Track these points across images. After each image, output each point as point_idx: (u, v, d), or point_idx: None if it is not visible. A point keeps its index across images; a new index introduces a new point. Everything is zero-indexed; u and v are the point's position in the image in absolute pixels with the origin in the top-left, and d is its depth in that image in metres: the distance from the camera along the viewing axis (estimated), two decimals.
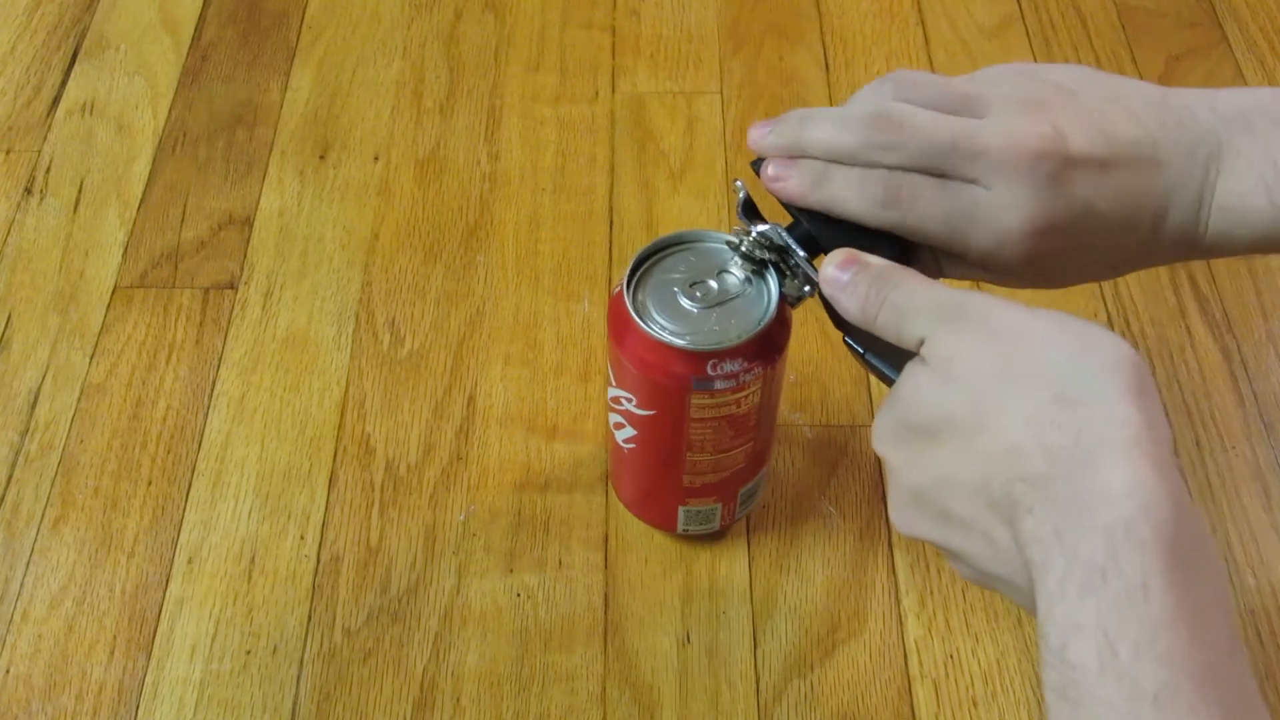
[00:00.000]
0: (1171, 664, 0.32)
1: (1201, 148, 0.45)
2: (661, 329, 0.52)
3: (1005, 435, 0.37)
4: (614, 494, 0.65)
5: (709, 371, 0.53)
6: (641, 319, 0.53)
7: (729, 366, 0.53)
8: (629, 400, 0.56)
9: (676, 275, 0.54)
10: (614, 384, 0.57)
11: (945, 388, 0.39)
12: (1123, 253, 0.47)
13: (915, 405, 0.40)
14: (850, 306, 0.43)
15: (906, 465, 0.41)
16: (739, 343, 0.52)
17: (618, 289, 0.54)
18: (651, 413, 0.56)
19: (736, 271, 0.54)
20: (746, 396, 0.55)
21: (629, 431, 0.58)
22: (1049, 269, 0.47)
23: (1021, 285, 0.49)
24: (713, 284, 0.54)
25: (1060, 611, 0.34)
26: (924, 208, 0.46)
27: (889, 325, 0.42)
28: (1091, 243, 0.46)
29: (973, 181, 0.45)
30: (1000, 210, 0.45)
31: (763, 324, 0.52)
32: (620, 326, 0.54)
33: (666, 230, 0.78)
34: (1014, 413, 0.37)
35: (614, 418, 0.58)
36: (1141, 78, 0.87)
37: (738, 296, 0.53)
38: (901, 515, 0.42)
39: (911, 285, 0.42)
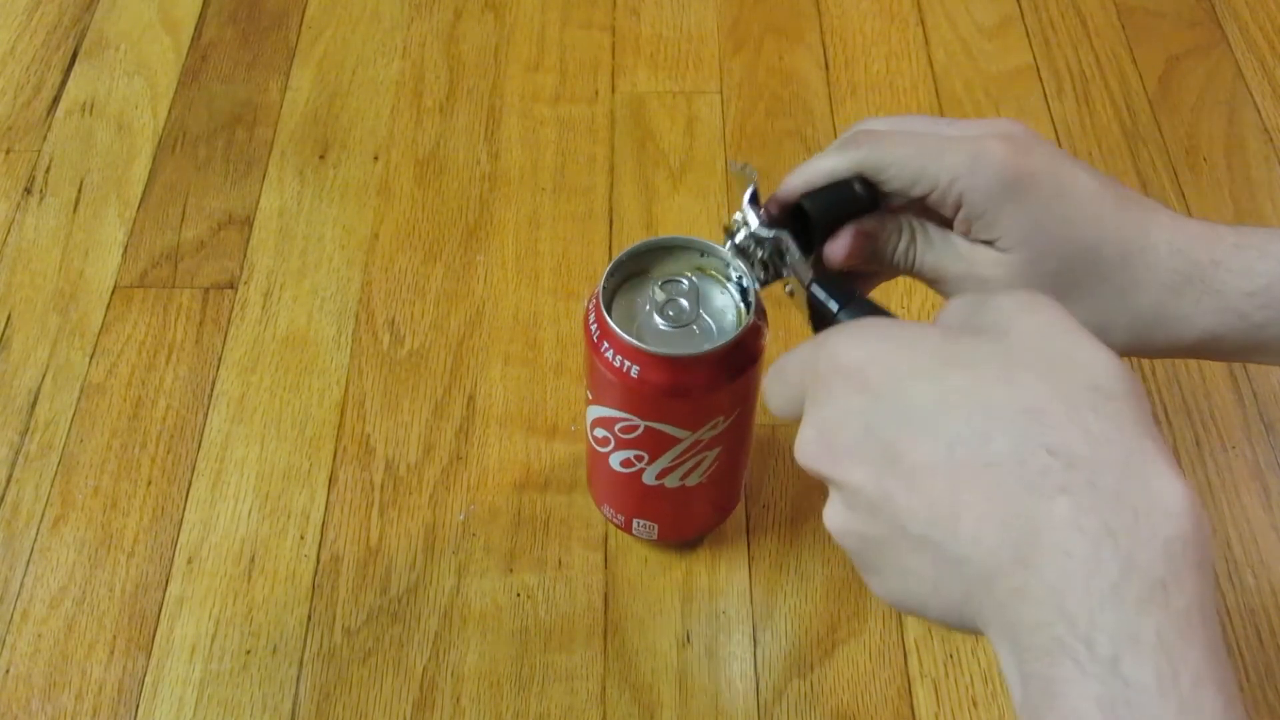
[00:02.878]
0: (1227, 693, 0.31)
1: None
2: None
3: (1029, 395, 0.33)
4: None
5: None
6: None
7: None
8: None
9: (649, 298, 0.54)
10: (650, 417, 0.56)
11: (980, 337, 0.36)
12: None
13: (931, 342, 0.36)
14: None
15: (865, 381, 0.36)
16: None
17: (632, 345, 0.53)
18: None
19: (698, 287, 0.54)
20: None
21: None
22: (1028, 214, 0.47)
23: (1007, 248, 0.47)
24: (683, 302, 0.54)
25: (1113, 620, 0.31)
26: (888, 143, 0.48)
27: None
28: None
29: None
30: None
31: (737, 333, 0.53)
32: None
33: (666, 230, 0.78)
34: (1046, 382, 0.33)
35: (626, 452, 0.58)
36: (1142, 78, 0.87)
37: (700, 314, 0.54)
38: (824, 440, 0.36)
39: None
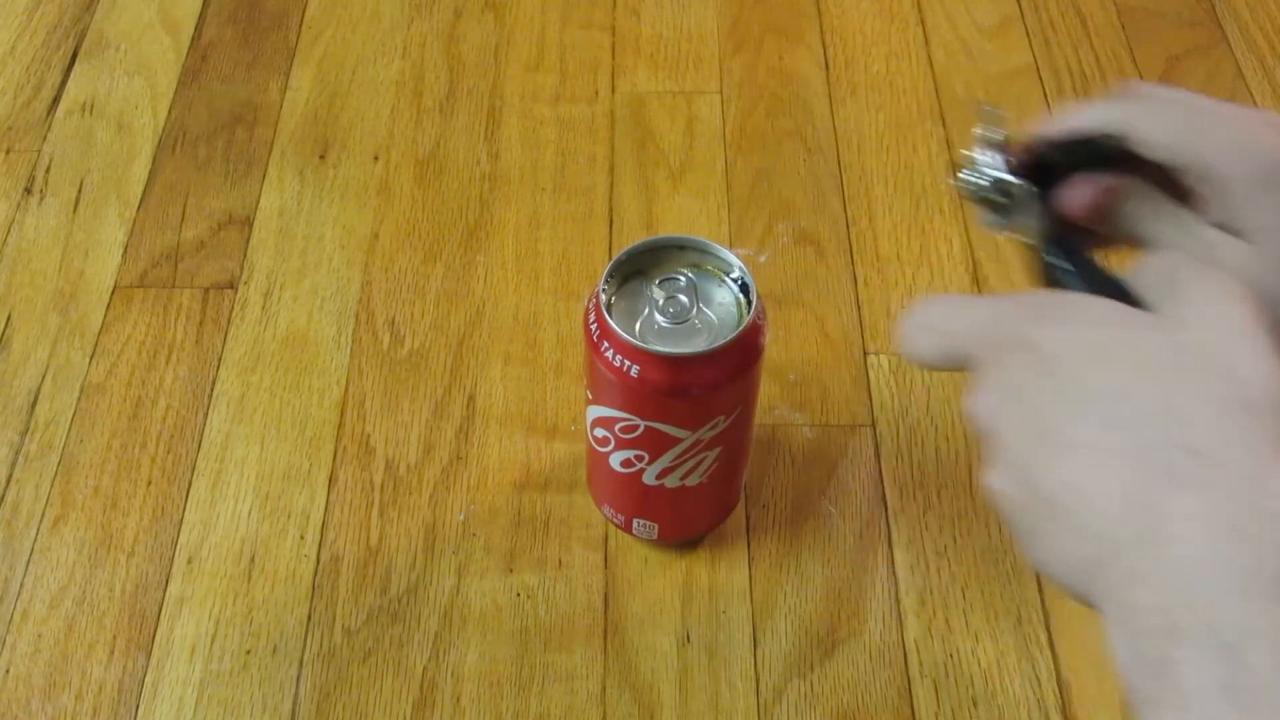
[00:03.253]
0: None
1: None
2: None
3: (1184, 400, 0.35)
4: None
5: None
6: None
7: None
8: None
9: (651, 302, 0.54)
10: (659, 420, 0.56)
11: (1154, 329, 0.37)
12: None
13: (1110, 318, 0.38)
14: None
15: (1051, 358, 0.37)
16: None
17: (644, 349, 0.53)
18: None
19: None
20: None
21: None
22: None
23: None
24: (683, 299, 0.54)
25: (1237, 608, 0.32)
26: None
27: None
28: None
29: None
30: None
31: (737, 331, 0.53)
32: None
33: (666, 230, 0.78)
34: (1204, 390, 0.35)
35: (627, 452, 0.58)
36: (1142, 78, 0.87)
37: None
38: (1003, 407, 0.38)
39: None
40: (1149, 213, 0.47)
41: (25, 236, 0.78)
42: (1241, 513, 0.33)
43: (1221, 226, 0.45)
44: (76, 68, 0.88)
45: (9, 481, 0.67)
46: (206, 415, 0.69)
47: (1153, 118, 0.45)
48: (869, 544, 0.65)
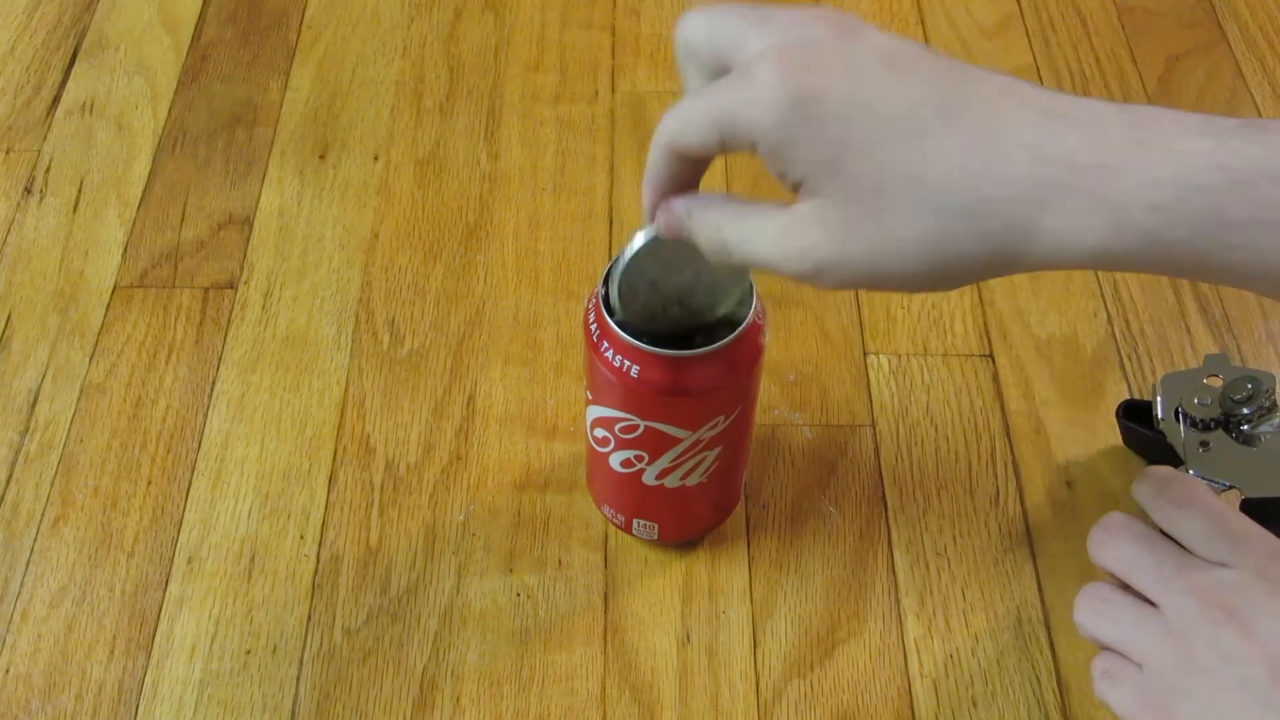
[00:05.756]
0: None
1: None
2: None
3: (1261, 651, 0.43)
4: None
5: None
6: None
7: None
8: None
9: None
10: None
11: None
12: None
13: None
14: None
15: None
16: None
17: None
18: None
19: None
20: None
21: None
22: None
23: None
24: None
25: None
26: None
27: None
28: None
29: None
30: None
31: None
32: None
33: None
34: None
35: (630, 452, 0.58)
36: (1142, 77, 0.87)
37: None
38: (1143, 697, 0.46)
39: None
40: (707, 220, 0.45)
41: (25, 236, 0.78)
42: None
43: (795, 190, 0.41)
44: (76, 68, 0.88)
45: (9, 481, 0.67)
46: (206, 415, 0.69)
47: (684, 125, 0.44)
48: (869, 544, 0.65)
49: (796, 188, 0.41)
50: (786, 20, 0.41)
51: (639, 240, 0.49)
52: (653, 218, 0.47)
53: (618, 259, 0.52)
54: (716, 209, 0.45)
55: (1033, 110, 0.38)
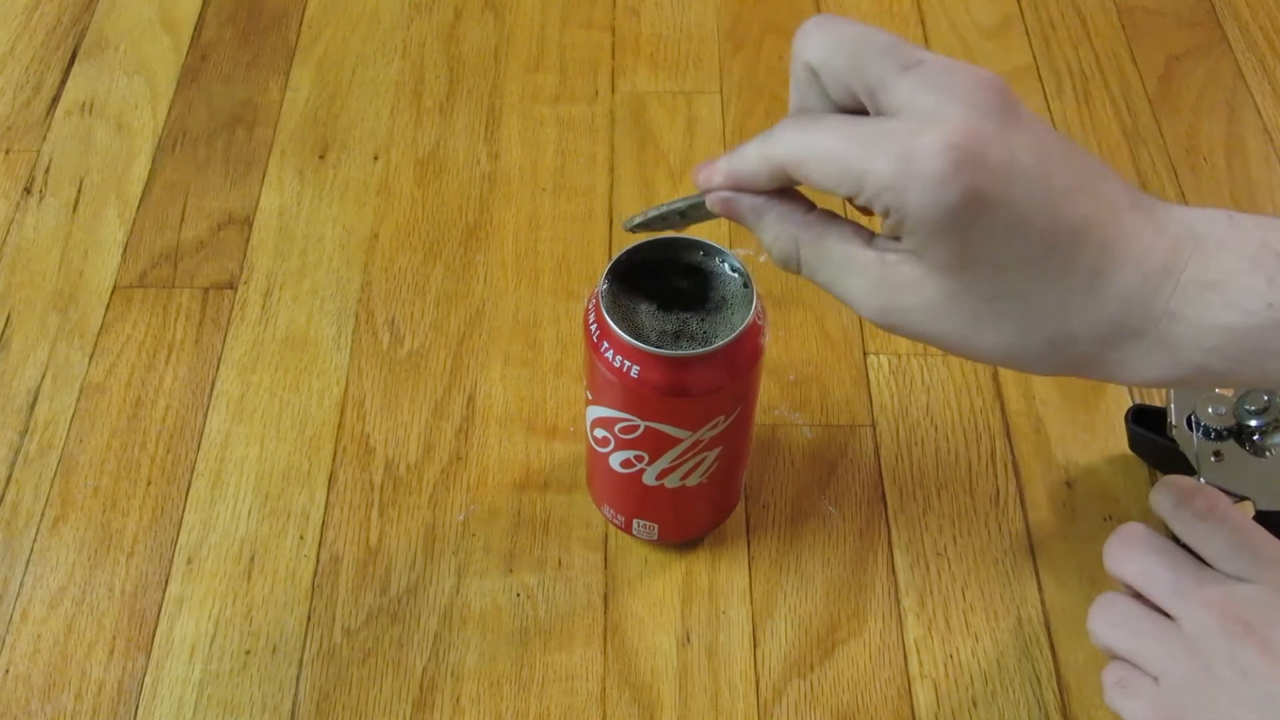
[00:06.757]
0: None
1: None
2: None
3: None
4: None
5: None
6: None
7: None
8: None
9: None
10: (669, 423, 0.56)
11: None
12: (1042, 303, 0.40)
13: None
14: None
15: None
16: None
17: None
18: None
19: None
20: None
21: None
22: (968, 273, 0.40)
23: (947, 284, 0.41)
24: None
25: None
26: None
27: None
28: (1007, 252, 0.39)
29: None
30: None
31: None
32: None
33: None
34: None
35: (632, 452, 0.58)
36: (1142, 77, 0.87)
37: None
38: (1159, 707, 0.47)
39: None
40: (783, 233, 0.44)
41: (25, 236, 0.78)
42: None
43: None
44: (76, 68, 0.88)
45: (9, 481, 0.67)
46: (206, 415, 0.69)
47: (808, 150, 0.41)
48: (869, 544, 0.65)
49: (893, 233, 0.40)
50: (943, 74, 0.39)
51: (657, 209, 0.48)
52: (706, 193, 0.45)
53: (618, 258, 0.52)
54: (792, 223, 0.43)
55: (1137, 250, 0.40)
